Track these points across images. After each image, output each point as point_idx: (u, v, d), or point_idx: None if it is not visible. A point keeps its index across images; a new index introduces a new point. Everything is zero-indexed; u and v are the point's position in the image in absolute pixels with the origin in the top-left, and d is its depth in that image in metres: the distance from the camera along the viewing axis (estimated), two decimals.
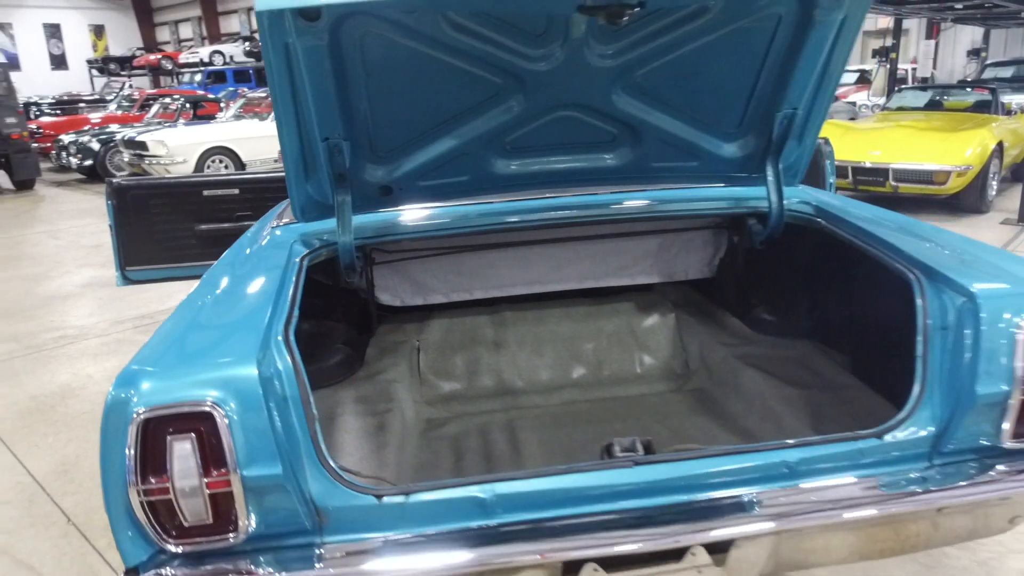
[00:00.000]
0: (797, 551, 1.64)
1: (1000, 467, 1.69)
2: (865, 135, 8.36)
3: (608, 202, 2.38)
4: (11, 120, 12.19)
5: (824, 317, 2.58)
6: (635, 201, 2.39)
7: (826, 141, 4.46)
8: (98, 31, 36.74)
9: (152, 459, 1.44)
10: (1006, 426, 1.66)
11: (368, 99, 1.98)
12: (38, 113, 17.08)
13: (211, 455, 1.45)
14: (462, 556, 1.51)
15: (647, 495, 1.58)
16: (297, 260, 2.02)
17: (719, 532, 1.56)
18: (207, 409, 1.44)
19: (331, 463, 1.56)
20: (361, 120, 2.02)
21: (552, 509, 1.57)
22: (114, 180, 3.48)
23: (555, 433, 2.40)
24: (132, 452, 1.43)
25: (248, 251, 2.22)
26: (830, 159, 4.44)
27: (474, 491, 1.55)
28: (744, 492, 1.60)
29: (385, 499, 1.54)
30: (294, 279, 1.91)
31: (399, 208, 2.31)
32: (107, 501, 1.49)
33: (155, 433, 1.43)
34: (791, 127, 2.22)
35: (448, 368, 2.74)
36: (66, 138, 13.25)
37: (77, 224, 9.24)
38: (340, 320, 2.62)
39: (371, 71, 1.91)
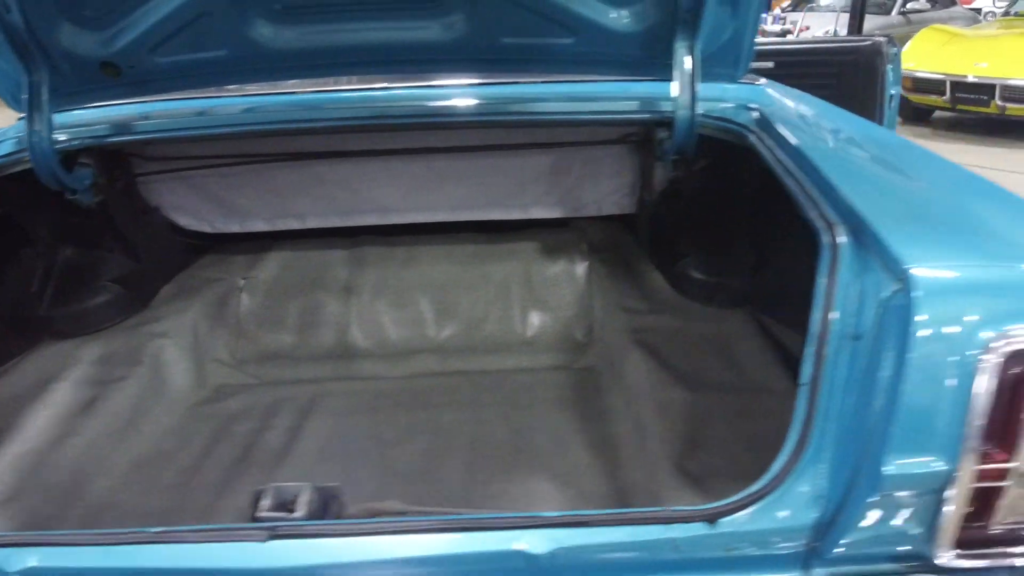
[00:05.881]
0: None
1: None
2: (973, 44, 6.96)
3: (444, 96, 1.65)
4: None
5: (766, 280, 1.80)
6: (482, 97, 1.65)
7: (889, 39, 3.47)
8: None
9: None
10: (943, 527, 0.91)
11: None
12: None
13: None
14: None
15: None
16: None
17: None
18: None
19: None
20: None
21: None
22: None
23: (362, 422, 1.77)
24: None
25: None
26: (894, 63, 3.46)
27: None
28: None
29: None
30: None
31: (142, 97, 1.66)
32: None
33: None
34: None
35: (277, 317, 2.12)
36: None
37: None
38: (113, 249, 2.01)
39: None
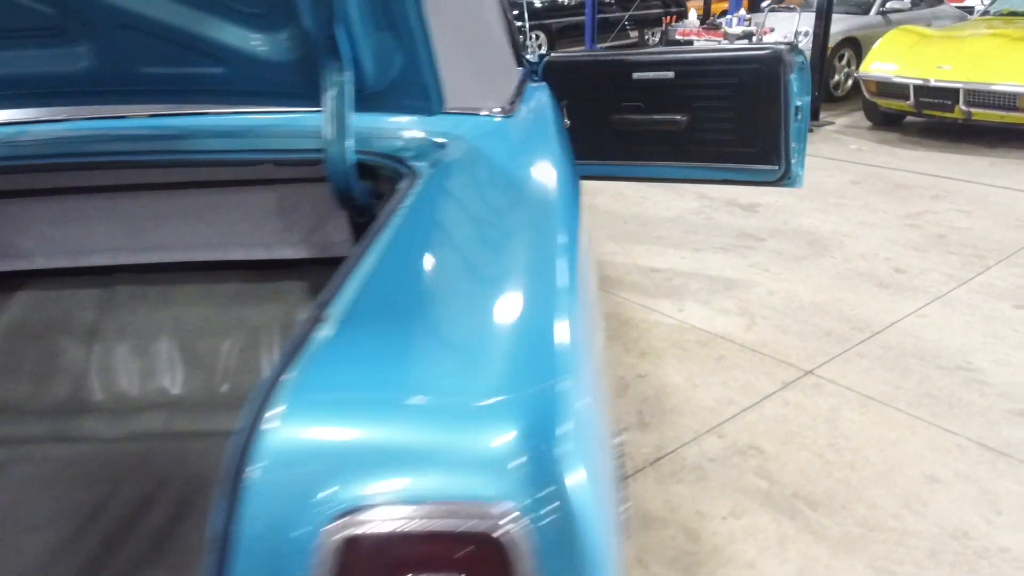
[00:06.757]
0: None
1: None
2: (939, 45, 6.63)
3: (117, 133, 1.45)
4: None
5: None
6: (155, 133, 1.46)
7: (793, 48, 3.22)
8: None
9: None
10: None
11: None
12: None
13: None
14: None
15: None
16: None
17: None
18: None
19: None
20: None
21: None
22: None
23: (21, 499, 1.57)
24: None
25: None
26: (799, 72, 3.23)
27: None
28: None
29: None
30: None
31: None
32: None
33: None
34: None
35: (13, 365, 1.93)
36: None
37: None
38: None
39: None
